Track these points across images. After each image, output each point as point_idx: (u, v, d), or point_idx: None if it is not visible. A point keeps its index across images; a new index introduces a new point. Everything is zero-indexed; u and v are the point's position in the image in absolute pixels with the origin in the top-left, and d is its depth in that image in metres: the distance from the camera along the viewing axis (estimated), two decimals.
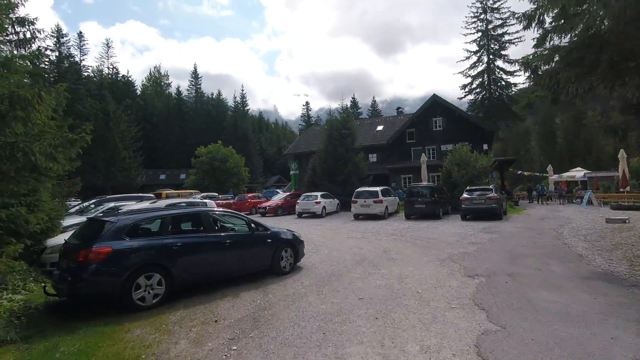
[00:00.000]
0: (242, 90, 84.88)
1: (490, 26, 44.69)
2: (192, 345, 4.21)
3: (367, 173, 27.85)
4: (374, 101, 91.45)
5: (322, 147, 27.62)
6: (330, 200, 22.99)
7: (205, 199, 19.10)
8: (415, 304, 5.24)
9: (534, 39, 9.07)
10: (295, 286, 6.53)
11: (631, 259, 7.80)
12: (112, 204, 13.14)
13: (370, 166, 30.68)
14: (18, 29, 13.97)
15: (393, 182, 30.95)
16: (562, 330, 4.18)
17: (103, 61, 65.17)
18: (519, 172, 40.67)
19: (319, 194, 22.33)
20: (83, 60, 56.71)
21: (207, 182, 38.59)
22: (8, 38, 13.96)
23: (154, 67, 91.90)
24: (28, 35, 14.09)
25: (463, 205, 17.06)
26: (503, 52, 44.51)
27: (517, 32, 42.86)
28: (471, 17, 44.95)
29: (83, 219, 9.01)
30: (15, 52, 14.07)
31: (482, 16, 44.48)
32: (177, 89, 70.43)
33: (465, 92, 46.77)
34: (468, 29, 45.36)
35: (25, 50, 14.29)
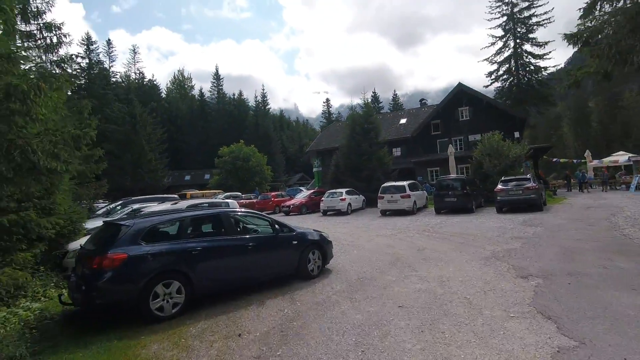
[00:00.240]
0: (263, 89, 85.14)
1: (515, 9, 42.54)
2: None
3: (392, 167, 26.98)
4: (395, 94, 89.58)
5: (345, 142, 26.93)
6: (355, 197, 22.29)
7: (228, 198, 18.83)
8: (465, 312, 4.54)
9: (580, 9, 8.11)
10: (325, 292, 5.95)
11: None
12: (136, 206, 13.01)
13: (395, 160, 29.74)
14: (46, 34, 14.13)
15: (419, 176, 29.88)
16: None
17: (130, 67, 66.88)
18: (554, 159, 38.54)
19: (343, 190, 21.67)
20: (112, 66, 58.33)
21: (231, 181, 38.68)
22: (37, 44, 14.15)
23: (178, 71, 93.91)
24: (55, 40, 14.24)
25: (498, 197, 16.00)
26: (531, 35, 42.31)
27: (545, 13, 40.64)
28: (495, 0, 42.91)
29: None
30: (43, 57, 14.26)
31: None
32: (200, 90, 71.45)
33: (492, 79, 44.83)
34: (492, 13, 43.39)
35: (53, 56, 14.46)
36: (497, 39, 43.26)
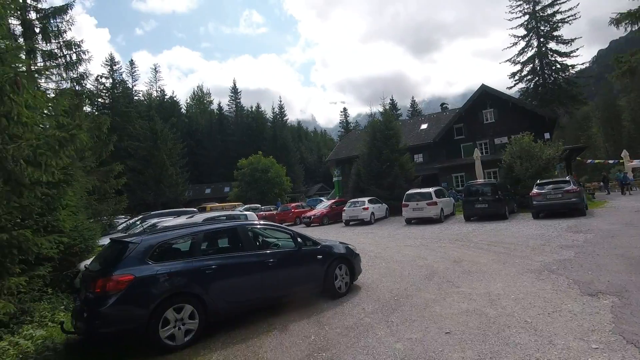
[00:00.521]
0: (280, 101, 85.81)
1: (538, 7, 41.18)
2: None
3: (415, 174, 26.05)
4: (414, 101, 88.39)
5: (366, 150, 26.24)
6: (378, 206, 21.46)
7: (247, 211, 18.37)
8: (531, 341, 3.73)
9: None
10: (355, 313, 5.24)
11: None
12: (154, 220, 12.70)
13: (417, 167, 28.79)
14: (66, 52, 14.28)
15: (443, 182, 28.77)
16: None
17: (152, 85, 68.79)
18: (588, 160, 36.54)
19: (366, 199, 20.89)
20: (134, 85, 59.93)
21: (250, 193, 38.47)
22: (57, 62, 14.30)
23: (197, 87, 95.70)
24: (74, 57, 14.37)
25: (535, 202, 14.87)
26: (555, 33, 40.76)
27: (570, 9, 39.12)
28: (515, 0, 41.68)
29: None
30: (64, 74, 14.39)
31: None
32: (219, 104, 72.59)
33: (515, 80, 43.39)
34: (513, 12, 42.17)
35: (73, 73, 14.58)
36: (520, 38, 41.98)
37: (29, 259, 4.41)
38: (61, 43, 13.20)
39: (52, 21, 13.01)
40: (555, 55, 41.09)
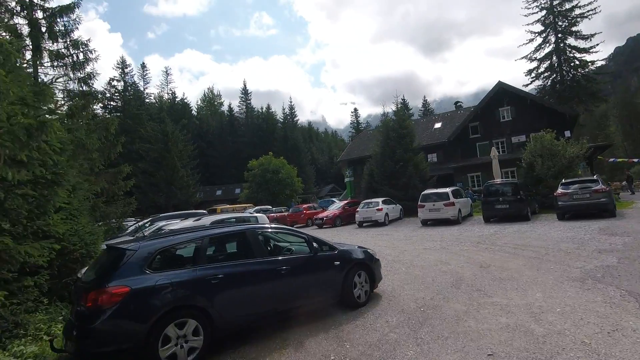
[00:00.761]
0: (291, 101, 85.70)
1: (555, 2, 39.90)
2: None
3: (430, 174, 25.32)
4: (425, 101, 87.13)
5: (379, 149, 25.65)
6: (392, 206, 20.81)
7: (258, 212, 17.90)
8: None
9: None
10: (379, 327, 4.67)
11: None
12: (161, 223, 12.29)
13: (431, 167, 28.04)
14: (73, 52, 14.06)
15: (458, 182, 27.93)
16: None
17: (163, 87, 69.34)
18: (611, 159, 35.19)
19: (380, 199, 20.27)
20: (146, 88, 60.38)
21: (261, 194, 38.08)
22: (64, 62, 14.08)
23: (208, 88, 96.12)
24: (81, 56, 14.13)
25: (560, 202, 14.06)
26: (573, 29, 39.43)
27: (589, 3, 37.78)
28: None
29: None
30: (71, 74, 14.16)
31: None
32: (229, 105, 72.43)
33: (532, 77, 42.04)
34: (529, 8, 40.89)
35: (80, 73, 14.35)
36: (536, 34, 40.73)
37: (11, 268, 3.95)
38: (68, 42, 12.92)
39: (58, 20, 12.78)
40: (573, 51, 39.74)
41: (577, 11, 38.51)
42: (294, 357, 4.05)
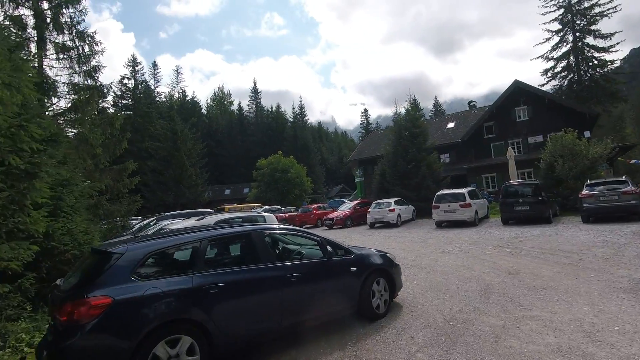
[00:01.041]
0: (301, 101, 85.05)
1: (574, 0, 38.70)
2: None
3: (443, 175, 24.58)
4: (437, 101, 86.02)
5: (391, 149, 25.00)
6: (405, 207, 20.13)
7: (266, 212, 17.34)
8: None
9: None
10: (403, 345, 4.07)
11: None
12: (166, 222, 11.80)
13: (444, 167, 27.33)
14: (79, 44, 13.70)
15: (472, 183, 27.11)
16: None
17: (174, 86, 69.52)
18: (633, 160, 33.85)
19: (392, 200, 19.60)
20: (157, 87, 60.59)
21: (269, 194, 37.59)
22: (69, 54, 13.73)
23: (218, 88, 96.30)
24: (87, 49, 13.77)
25: (585, 205, 13.26)
26: (592, 28, 38.19)
27: (610, 1, 36.54)
28: None
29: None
30: (76, 67, 13.81)
31: None
32: (239, 104, 72.18)
33: (548, 77, 40.79)
34: (546, 6, 39.75)
35: (86, 66, 13.99)
36: (553, 33, 39.57)
37: None
38: (74, 34, 12.53)
39: (64, 10, 12.40)
40: (592, 50, 38.51)
41: (597, 9, 37.29)
42: None
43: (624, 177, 14.06)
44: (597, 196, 13.10)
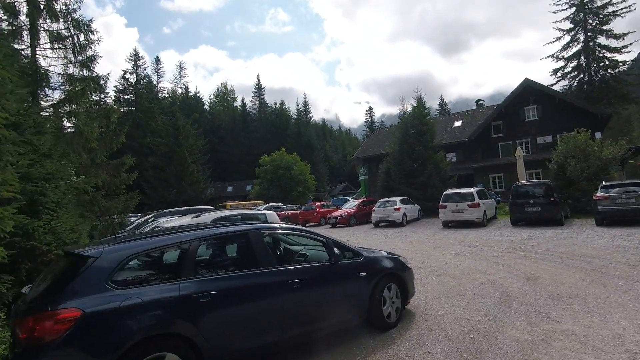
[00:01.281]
0: (305, 98, 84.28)
1: None
2: None
3: (450, 174, 24.03)
4: (442, 100, 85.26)
5: (397, 146, 24.47)
6: (410, 206, 19.62)
7: (269, 209, 16.83)
8: None
9: None
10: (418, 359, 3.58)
11: None
12: (163, 219, 11.31)
13: (450, 167, 26.73)
14: (74, 32, 13.25)
15: (479, 183, 26.54)
16: None
17: (176, 82, 69.03)
18: None
19: (397, 199, 19.09)
20: (159, 82, 60.10)
21: (272, 191, 37.12)
22: (64, 43, 13.30)
23: (221, 84, 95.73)
24: (82, 38, 13.33)
25: (600, 207, 12.70)
26: (605, 27, 37.38)
27: (623, 0, 35.71)
28: None
29: None
30: (72, 57, 13.38)
31: None
32: (242, 100, 71.56)
33: (557, 77, 40.07)
34: (558, 4, 38.98)
35: (81, 57, 13.56)
36: (565, 32, 38.80)
37: None
38: (69, 22, 12.06)
39: None
40: (604, 50, 37.74)
41: (610, 9, 36.47)
42: None
43: None
44: (613, 198, 12.53)
